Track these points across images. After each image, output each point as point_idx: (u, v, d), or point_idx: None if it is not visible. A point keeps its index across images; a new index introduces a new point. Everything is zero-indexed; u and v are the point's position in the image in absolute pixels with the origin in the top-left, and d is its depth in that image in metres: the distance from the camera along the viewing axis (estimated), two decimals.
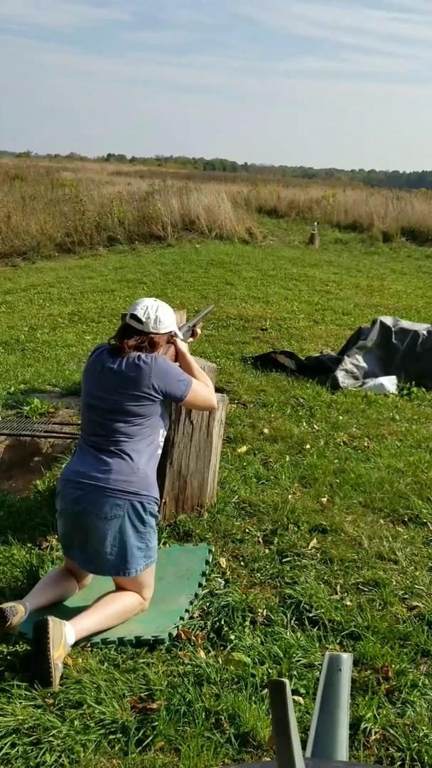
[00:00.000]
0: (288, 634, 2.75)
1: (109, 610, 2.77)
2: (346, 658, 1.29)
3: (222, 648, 2.69)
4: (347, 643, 2.73)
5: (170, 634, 2.74)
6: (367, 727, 2.29)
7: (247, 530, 3.53)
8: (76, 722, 2.30)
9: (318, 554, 3.33)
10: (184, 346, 3.17)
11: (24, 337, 7.80)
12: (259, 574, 3.17)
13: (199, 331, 3.61)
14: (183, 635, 2.76)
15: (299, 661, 2.60)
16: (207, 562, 3.23)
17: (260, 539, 3.47)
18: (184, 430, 3.50)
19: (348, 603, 2.97)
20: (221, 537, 3.46)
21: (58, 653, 2.48)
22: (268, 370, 6.26)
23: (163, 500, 3.51)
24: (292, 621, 2.84)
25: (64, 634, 2.55)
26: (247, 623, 2.82)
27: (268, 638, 2.73)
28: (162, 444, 3.01)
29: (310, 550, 3.36)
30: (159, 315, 2.93)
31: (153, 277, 11.80)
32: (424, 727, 2.31)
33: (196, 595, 3.01)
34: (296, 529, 3.54)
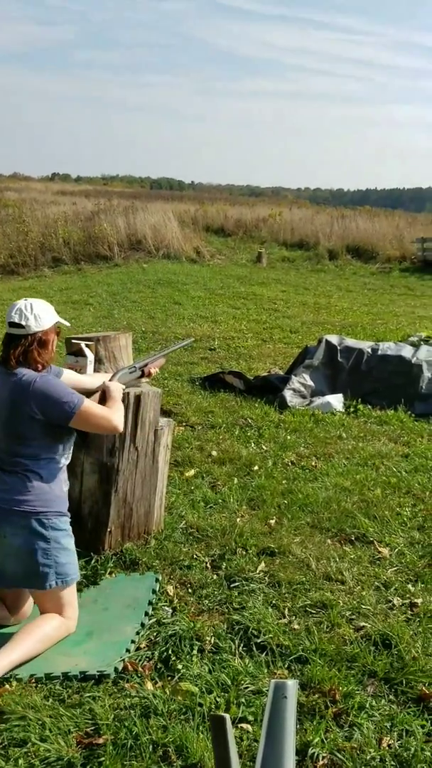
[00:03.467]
0: (236, 661, 2.73)
1: (32, 638, 2.74)
2: (291, 685, 1.29)
3: (170, 678, 2.65)
4: (295, 667, 2.72)
5: (116, 668, 2.70)
6: (314, 753, 2.28)
7: (194, 556, 3.51)
8: (21, 761, 2.25)
9: (266, 578, 3.32)
10: (116, 388, 3.14)
11: None
12: (207, 601, 3.14)
13: (153, 371, 3.50)
14: (129, 666, 2.72)
15: (247, 688, 2.58)
16: (154, 591, 3.20)
17: (208, 565, 3.45)
18: (129, 457, 3.47)
19: (296, 626, 2.96)
20: (169, 564, 3.43)
21: None
22: (216, 391, 6.28)
23: (108, 529, 3.47)
24: (240, 647, 2.82)
25: None
26: (195, 652, 2.79)
27: (216, 666, 2.70)
28: (66, 459, 2.96)
29: (258, 573, 3.35)
30: (36, 312, 2.84)
31: (99, 298, 11.75)
32: (371, 750, 2.31)
33: (143, 625, 2.98)
34: (244, 552, 3.54)
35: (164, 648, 2.81)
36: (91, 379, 3.29)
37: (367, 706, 2.52)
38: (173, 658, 2.75)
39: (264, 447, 4.99)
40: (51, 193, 34.94)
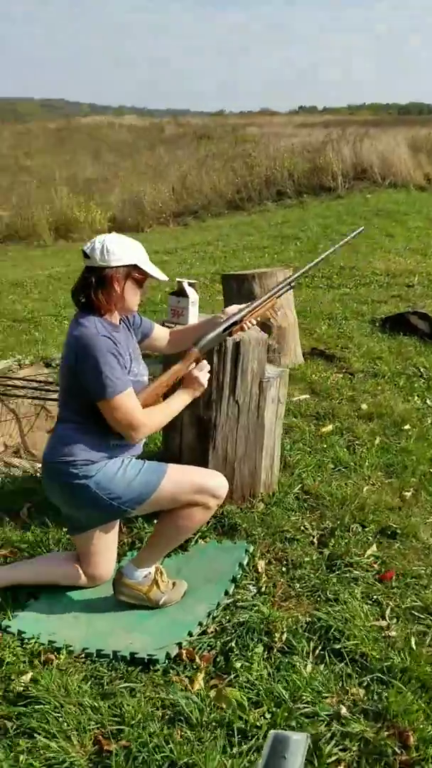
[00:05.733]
0: (305, 668, 2.23)
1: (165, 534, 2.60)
2: (296, 740, 0.95)
3: (224, 677, 2.24)
4: (375, 688, 2.17)
5: (167, 654, 2.34)
6: None
7: (302, 527, 3.02)
8: (21, 757, 1.98)
9: (375, 565, 2.75)
10: (195, 382, 2.54)
11: (160, 297, 7.63)
12: (297, 585, 2.66)
13: (247, 324, 2.71)
14: (185, 655, 2.35)
15: (304, 708, 2.09)
16: (241, 565, 2.78)
17: (315, 539, 2.94)
18: (229, 411, 3.02)
19: (393, 633, 2.38)
20: (270, 534, 2.97)
21: None
22: (396, 333, 5.54)
23: None
24: (316, 651, 2.32)
25: None
26: (261, 649, 2.33)
27: (278, 671, 2.23)
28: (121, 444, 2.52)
29: (367, 559, 2.77)
30: (106, 245, 2.39)
31: (310, 232, 11.21)
32: None
33: (218, 605, 2.58)
34: (360, 529, 2.97)
35: (229, 638, 2.39)
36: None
37: None
38: (236, 652, 2.33)
39: (428, 402, 4.26)
40: (292, 126, 34.27)
